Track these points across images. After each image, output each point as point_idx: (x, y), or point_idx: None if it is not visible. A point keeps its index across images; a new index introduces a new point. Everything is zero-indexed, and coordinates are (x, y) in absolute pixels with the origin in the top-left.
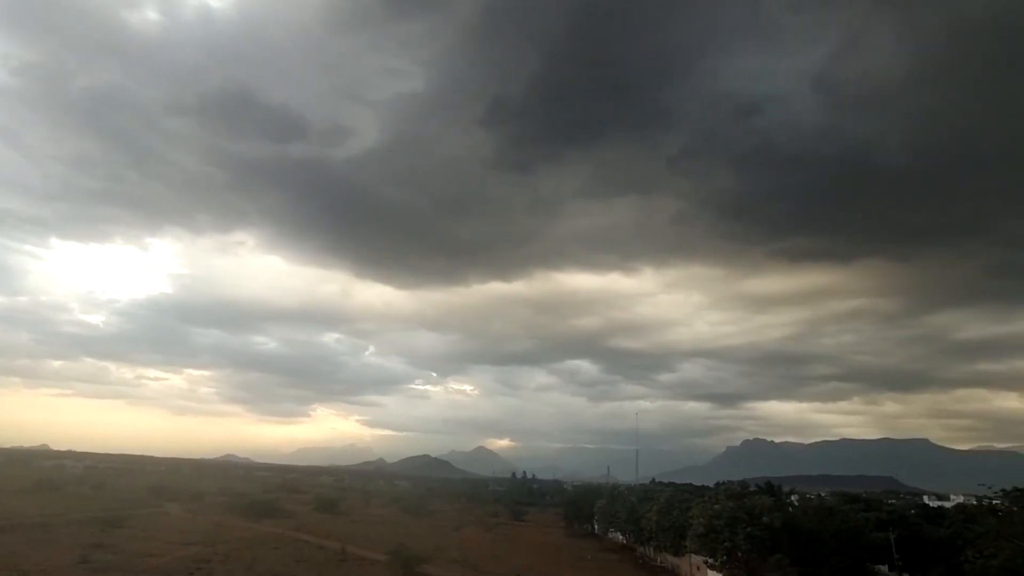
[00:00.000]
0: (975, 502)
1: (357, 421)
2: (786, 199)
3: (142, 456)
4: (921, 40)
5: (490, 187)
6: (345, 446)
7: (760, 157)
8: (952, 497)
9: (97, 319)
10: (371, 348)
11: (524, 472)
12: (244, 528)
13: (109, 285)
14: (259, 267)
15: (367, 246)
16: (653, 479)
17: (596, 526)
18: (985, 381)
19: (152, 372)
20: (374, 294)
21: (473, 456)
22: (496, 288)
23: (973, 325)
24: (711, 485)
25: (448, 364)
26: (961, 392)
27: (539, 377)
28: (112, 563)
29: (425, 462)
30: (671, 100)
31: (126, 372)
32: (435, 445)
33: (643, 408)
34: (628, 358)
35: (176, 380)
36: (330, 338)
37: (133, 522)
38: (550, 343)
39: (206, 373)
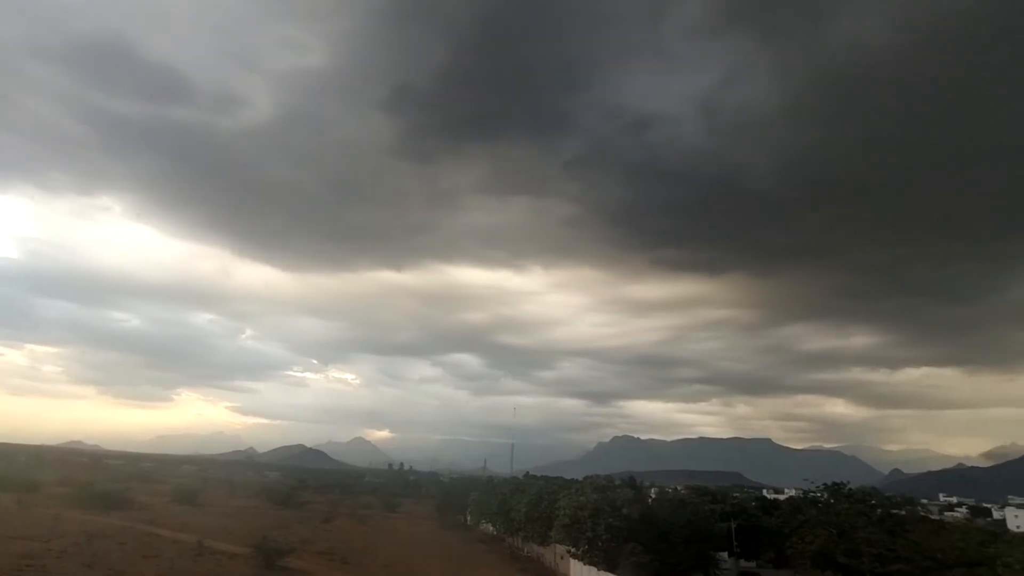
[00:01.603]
0: (802, 495)
1: (227, 408)
2: (668, 212)
3: None
4: (790, 80)
5: (388, 174)
6: (212, 434)
7: (647, 170)
8: (786, 491)
9: None
10: (248, 331)
11: (402, 463)
12: (87, 521)
13: None
14: (125, 236)
15: (251, 223)
16: (527, 472)
17: (469, 518)
18: (820, 388)
19: None
20: (256, 274)
21: (350, 447)
22: (386, 277)
23: (815, 338)
24: (580, 479)
25: (330, 352)
26: (800, 397)
27: (423, 369)
28: None
29: (299, 452)
30: (571, 107)
31: None
32: (311, 435)
33: (522, 403)
34: (512, 354)
35: (16, 356)
36: (203, 318)
37: None
38: (437, 335)
39: (52, 350)
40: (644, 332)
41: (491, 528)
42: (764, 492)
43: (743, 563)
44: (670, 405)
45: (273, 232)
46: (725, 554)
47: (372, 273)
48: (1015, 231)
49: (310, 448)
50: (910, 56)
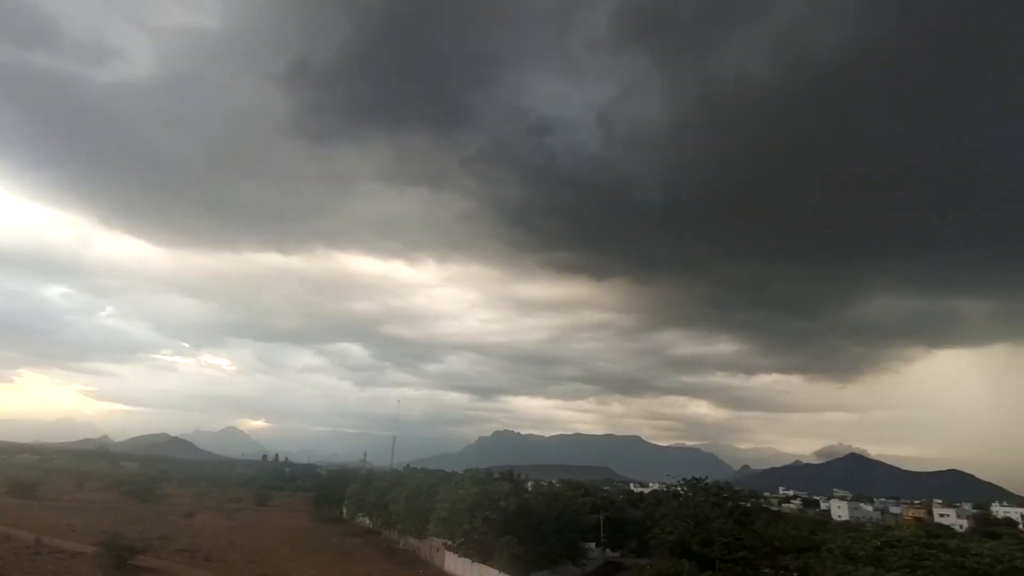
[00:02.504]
0: (665, 489)
1: (80, 392)
2: (561, 215)
3: None
4: (680, 102)
5: (280, 152)
6: (58, 420)
7: (545, 173)
8: (651, 485)
9: None
10: (109, 308)
11: (277, 455)
12: None
13: None
14: None
15: (120, 190)
16: (408, 465)
17: (345, 511)
18: (685, 390)
19: None
20: (123, 247)
21: (221, 436)
22: (271, 259)
23: (685, 344)
24: (461, 472)
25: (204, 335)
26: (669, 398)
27: (306, 357)
28: None
29: (162, 441)
30: (474, 104)
31: None
32: (176, 423)
33: (407, 396)
34: (399, 346)
35: None
36: (55, 291)
37: None
38: (322, 323)
39: None
40: (530, 330)
41: (368, 522)
42: (631, 486)
43: (609, 553)
44: (550, 402)
45: (146, 202)
46: (593, 544)
47: (256, 254)
48: (854, 259)
49: (175, 437)
50: (784, 90)
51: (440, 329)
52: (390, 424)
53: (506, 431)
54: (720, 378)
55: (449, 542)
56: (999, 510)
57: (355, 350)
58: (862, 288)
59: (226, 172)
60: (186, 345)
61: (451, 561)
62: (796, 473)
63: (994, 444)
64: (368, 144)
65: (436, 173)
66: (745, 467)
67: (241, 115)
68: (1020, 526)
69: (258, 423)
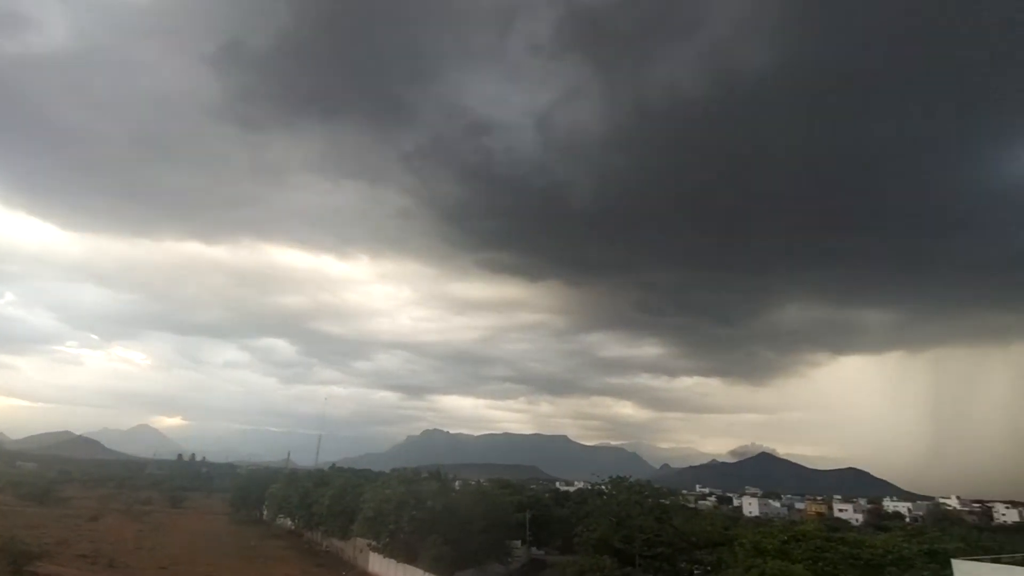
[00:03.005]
0: (590, 487)
1: None
2: (498, 216)
3: None
4: (616, 111)
5: (207, 137)
6: None
7: (483, 173)
8: (576, 483)
9: None
10: (8, 295)
11: (193, 454)
12: None
13: None
14: None
15: (25, 168)
16: (334, 464)
17: (266, 512)
18: (612, 391)
19: None
20: (26, 228)
21: (132, 435)
22: (194, 249)
23: (612, 346)
24: (388, 471)
25: (116, 326)
26: (595, 399)
27: (229, 352)
28: None
29: (65, 440)
30: (414, 100)
31: None
32: (81, 420)
33: (335, 394)
34: (328, 342)
35: None
36: None
37: None
38: (247, 317)
39: None
40: (463, 330)
41: (290, 523)
42: (558, 485)
43: (535, 551)
44: (480, 401)
45: (55, 183)
46: (519, 543)
47: (177, 243)
48: (769, 269)
49: (80, 436)
50: (710, 106)
51: (371, 326)
52: (316, 423)
53: (435, 430)
54: (645, 380)
55: (374, 543)
56: (890, 505)
57: (281, 346)
58: (776, 297)
59: (148, 155)
60: (95, 337)
61: (376, 562)
62: (713, 471)
63: (888, 444)
64: (303, 134)
65: (373, 167)
66: (666, 465)
67: (167, 96)
68: (907, 519)
69: (174, 421)
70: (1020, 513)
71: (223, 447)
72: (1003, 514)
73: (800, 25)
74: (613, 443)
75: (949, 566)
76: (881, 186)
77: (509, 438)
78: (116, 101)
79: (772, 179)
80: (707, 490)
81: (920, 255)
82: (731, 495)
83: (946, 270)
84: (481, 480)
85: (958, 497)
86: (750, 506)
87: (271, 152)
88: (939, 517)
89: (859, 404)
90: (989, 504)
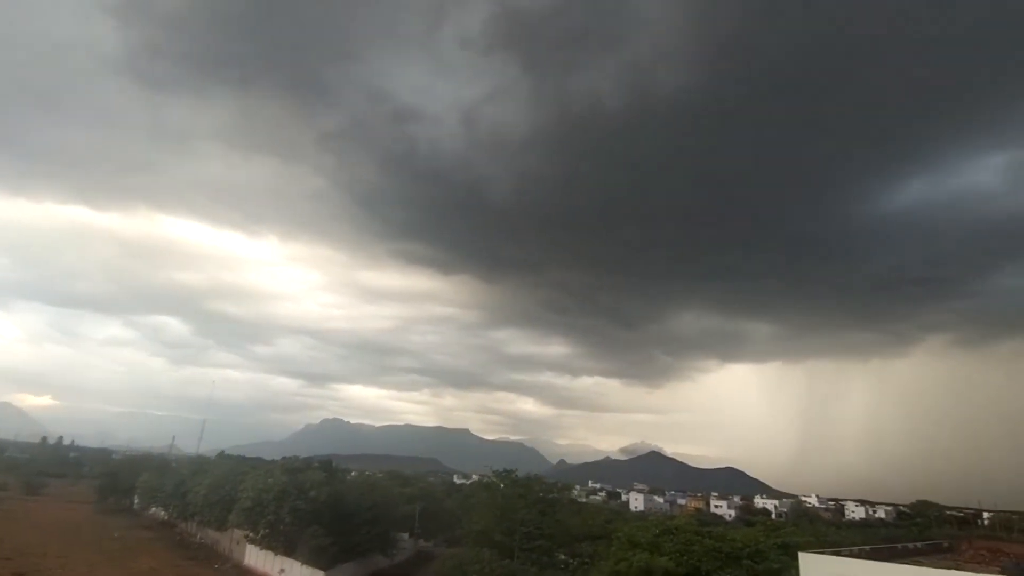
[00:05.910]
0: (480, 480)
1: None
2: (416, 207)
3: None
4: (540, 113)
5: (104, 92)
6: None
7: (403, 163)
8: (473, 477)
9: None
10: None
11: (61, 437)
12: None
13: None
14: None
15: None
16: (223, 451)
17: (137, 501)
18: (515, 388)
19: None
20: None
21: None
22: (79, 213)
23: (519, 343)
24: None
25: None
26: (499, 394)
27: (112, 329)
28: None
29: None
30: (335, 78)
31: None
32: None
33: (231, 378)
34: (226, 323)
35: None
36: None
37: None
38: (136, 292)
39: None
40: (372, 319)
41: (163, 513)
42: (455, 478)
43: (423, 543)
44: (384, 392)
45: None
46: (407, 535)
47: (59, 206)
48: (671, 278)
49: None
50: (627, 120)
51: (275, 309)
52: (207, 408)
53: (336, 419)
54: (548, 377)
55: (251, 534)
56: (760, 502)
57: (173, 324)
58: (675, 305)
59: (30, 108)
60: None
61: (252, 554)
62: (606, 468)
63: (763, 446)
64: (212, 100)
65: (288, 144)
66: (562, 461)
67: (59, 46)
68: (773, 516)
69: (42, 400)
70: (867, 511)
71: (99, 430)
72: (853, 511)
73: (713, 53)
74: (513, 438)
75: (797, 558)
76: (779, 210)
77: (411, 430)
78: None
79: (681, 194)
80: (599, 485)
81: (802, 276)
82: (620, 491)
83: (821, 291)
84: (377, 472)
85: (817, 496)
86: (636, 501)
87: (175, 116)
88: (799, 514)
89: (741, 408)
90: (843, 502)
